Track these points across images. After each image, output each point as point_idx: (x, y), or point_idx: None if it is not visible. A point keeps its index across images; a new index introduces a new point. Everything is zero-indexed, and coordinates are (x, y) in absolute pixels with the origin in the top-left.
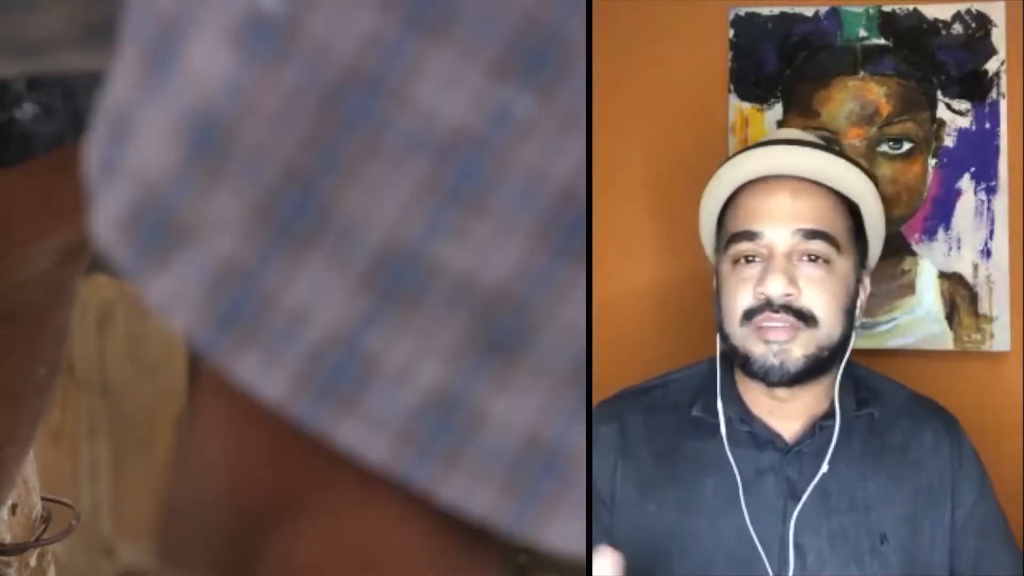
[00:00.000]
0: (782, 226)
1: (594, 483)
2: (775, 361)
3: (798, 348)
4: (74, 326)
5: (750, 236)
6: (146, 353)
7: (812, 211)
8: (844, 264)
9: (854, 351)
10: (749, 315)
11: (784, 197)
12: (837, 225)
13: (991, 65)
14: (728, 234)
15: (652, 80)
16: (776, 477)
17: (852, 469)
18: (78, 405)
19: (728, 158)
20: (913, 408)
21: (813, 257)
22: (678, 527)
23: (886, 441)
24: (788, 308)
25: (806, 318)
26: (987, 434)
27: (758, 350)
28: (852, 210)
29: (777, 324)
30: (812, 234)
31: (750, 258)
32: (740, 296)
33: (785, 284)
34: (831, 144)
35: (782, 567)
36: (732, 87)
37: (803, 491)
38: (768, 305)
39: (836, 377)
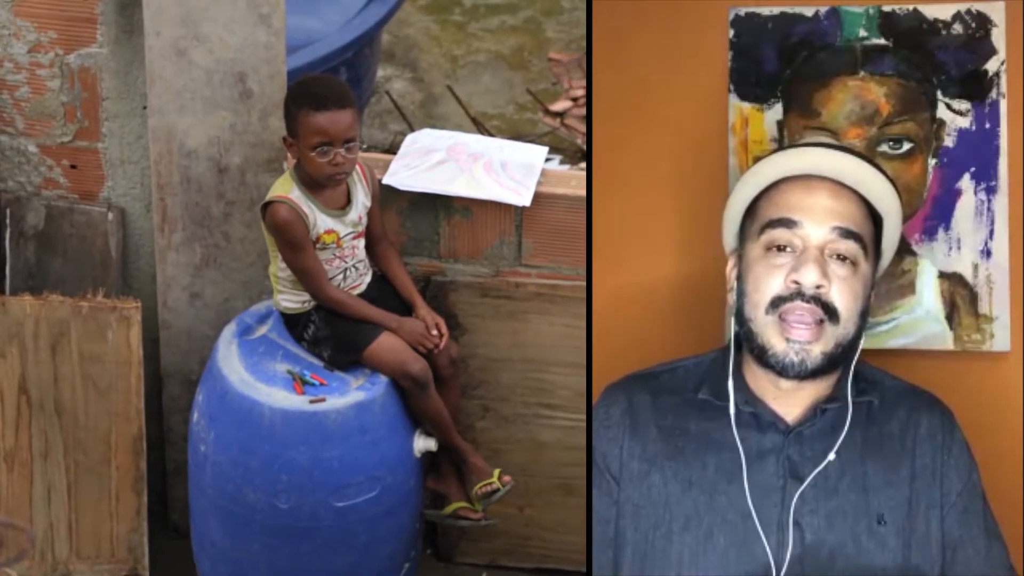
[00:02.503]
0: (820, 221)
1: (603, 460)
2: (795, 359)
3: (819, 347)
4: (27, 348)
5: (788, 224)
6: (100, 374)
7: (849, 213)
8: (867, 268)
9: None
10: (777, 303)
11: (824, 195)
12: (866, 231)
13: (991, 65)
14: (764, 221)
15: (652, 80)
16: (777, 457)
17: (851, 453)
18: (32, 427)
19: (768, 154)
20: (910, 397)
21: (842, 257)
22: (680, 501)
23: (884, 428)
24: (817, 300)
25: (831, 312)
26: (987, 434)
27: (779, 346)
28: (875, 221)
29: (804, 318)
30: (847, 233)
31: (782, 247)
32: (770, 283)
33: (819, 275)
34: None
35: (780, 544)
36: (732, 87)
37: (803, 471)
38: (799, 295)
39: (846, 372)
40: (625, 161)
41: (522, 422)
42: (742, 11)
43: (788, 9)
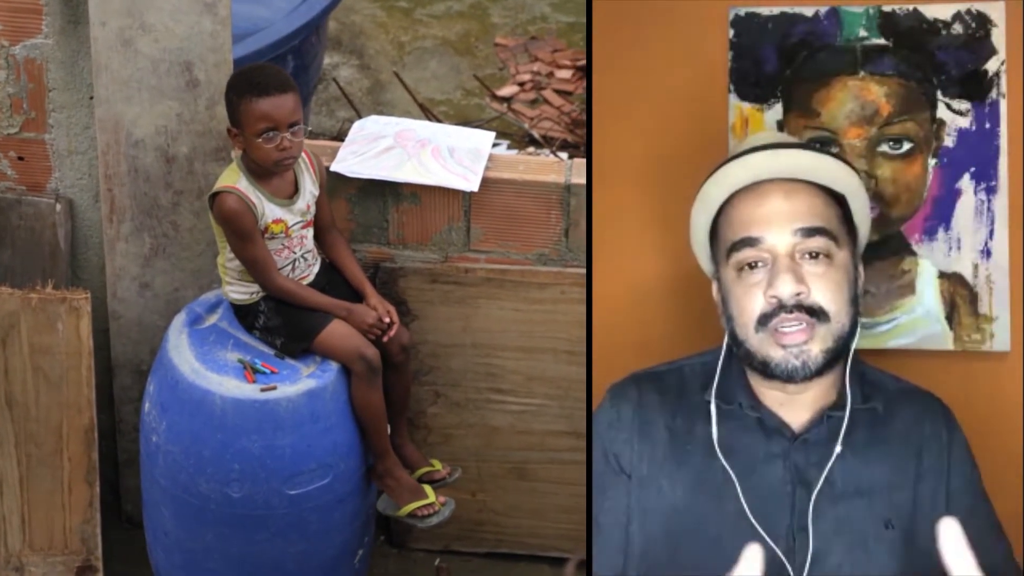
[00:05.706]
0: (781, 228)
1: (616, 462)
2: (796, 363)
3: (816, 345)
4: None
5: (751, 243)
6: (50, 366)
7: (807, 209)
8: (843, 256)
9: (855, 351)
10: (764, 320)
11: (777, 200)
12: (831, 219)
13: (991, 65)
14: (728, 243)
15: (653, 80)
16: (784, 463)
17: (857, 457)
18: None
19: (710, 173)
20: (913, 398)
21: (814, 254)
22: (688, 507)
23: (889, 431)
24: (800, 307)
25: (818, 314)
26: (987, 434)
27: (777, 355)
28: (839, 201)
29: (793, 326)
30: (811, 231)
31: (753, 264)
32: (751, 303)
33: (794, 284)
34: (814, 142)
35: (789, 550)
36: (732, 87)
37: (809, 477)
38: (781, 307)
39: (846, 362)
40: (625, 160)
41: (473, 407)
42: (742, 11)
43: (788, 9)
